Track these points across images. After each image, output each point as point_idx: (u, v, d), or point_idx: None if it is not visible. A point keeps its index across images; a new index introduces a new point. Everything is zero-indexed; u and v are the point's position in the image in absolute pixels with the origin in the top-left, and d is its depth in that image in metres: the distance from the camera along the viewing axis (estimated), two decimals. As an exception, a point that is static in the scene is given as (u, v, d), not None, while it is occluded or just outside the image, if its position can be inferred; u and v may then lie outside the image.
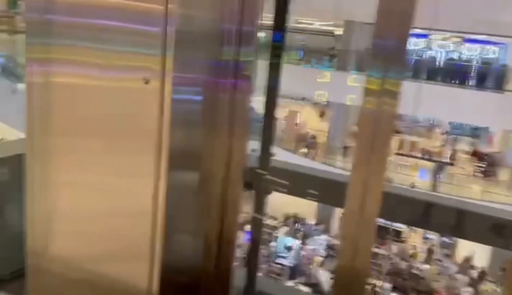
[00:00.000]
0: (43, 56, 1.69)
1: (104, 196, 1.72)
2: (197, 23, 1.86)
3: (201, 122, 1.96)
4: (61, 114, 1.72)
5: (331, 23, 20.86)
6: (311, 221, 15.70)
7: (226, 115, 2.00)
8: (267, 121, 2.76)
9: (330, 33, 21.16)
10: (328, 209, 14.96)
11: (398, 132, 17.93)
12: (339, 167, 16.05)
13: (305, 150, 18.41)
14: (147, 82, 1.57)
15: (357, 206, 1.95)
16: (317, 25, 22.03)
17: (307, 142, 19.10)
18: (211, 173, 2.02)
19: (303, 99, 20.96)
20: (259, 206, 2.73)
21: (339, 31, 19.63)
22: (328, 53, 18.85)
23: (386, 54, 1.89)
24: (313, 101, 20.92)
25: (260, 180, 2.62)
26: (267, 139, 2.73)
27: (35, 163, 1.78)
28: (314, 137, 19.19)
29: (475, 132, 20.77)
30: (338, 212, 14.25)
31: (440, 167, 16.38)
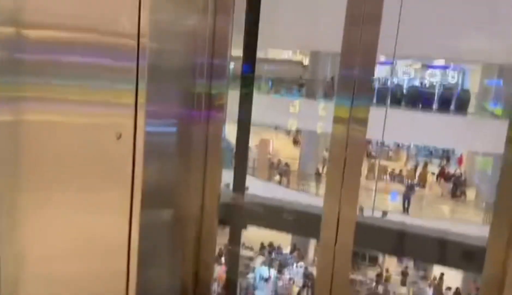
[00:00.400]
0: (13, 95, 1.66)
1: (77, 235, 1.67)
2: (169, 57, 1.89)
3: (175, 155, 1.96)
4: (30, 153, 1.68)
5: (298, 54, 21.47)
6: (287, 248, 15.60)
7: (200, 147, 2.02)
8: (239, 153, 2.76)
9: (299, 63, 21.74)
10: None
11: (369, 156, 18.35)
12: (313, 193, 16.16)
13: (278, 178, 18.50)
14: (119, 135, 1.58)
15: (332, 236, 1.97)
16: (285, 55, 22.62)
17: (280, 170, 19.22)
18: (186, 208, 2.00)
19: (276, 128, 21.22)
20: (235, 240, 2.71)
21: (307, 61, 20.22)
22: (297, 83, 19.30)
23: (353, 83, 1.96)
24: (285, 129, 21.22)
25: (235, 214, 2.61)
26: (241, 171, 2.73)
27: (3, 203, 1.72)
28: (287, 165, 19.35)
29: (443, 155, 21.49)
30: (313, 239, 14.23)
31: (410, 189, 16.77)
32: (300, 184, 17.89)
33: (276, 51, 21.17)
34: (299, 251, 15.31)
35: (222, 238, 2.60)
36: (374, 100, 16.22)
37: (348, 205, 2.00)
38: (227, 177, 2.62)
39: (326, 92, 17.12)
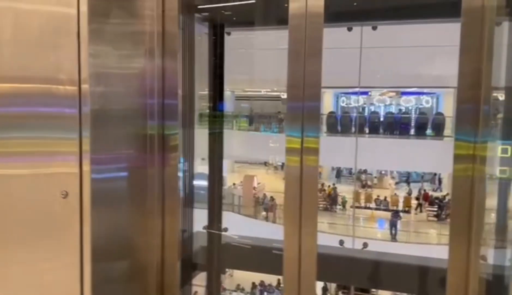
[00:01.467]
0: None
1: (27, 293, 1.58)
2: (116, 100, 1.89)
3: (129, 202, 1.90)
4: None
5: (275, 89, 21.84)
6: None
7: (155, 191, 1.96)
8: (212, 193, 2.71)
9: (277, 98, 22.06)
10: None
11: (365, 186, 18.41)
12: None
13: (264, 213, 18.30)
14: (65, 194, 1.57)
15: (295, 271, 1.92)
16: (263, 91, 22.96)
17: (266, 205, 19.05)
18: (145, 257, 1.93)
19: (265, 163, 21.25)
20: (214, 286, 2.60)
21: (284, 95, 20.53)
22: (276, 118, 19.52)
23: (302, 114, 1.98)
24: (266, 163, 21.24)
25: (211, 259, 2.52)
26: (216, 212, 2.66)
27: None
28: (272, 199, 19.21)
29: (425, 178, 21.70)
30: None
31: (396, 215, 16.77)
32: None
33: (254, 88, 21.49)
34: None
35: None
36: (352, 129, 16.49)
37: (309, 233, 1.96)
38: (204, 218, 2.54)
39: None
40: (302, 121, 1.96)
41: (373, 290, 14.51)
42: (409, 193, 19.28)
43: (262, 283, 15.13)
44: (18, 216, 1.60)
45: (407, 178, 22.06)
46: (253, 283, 14.97)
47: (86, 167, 1.52)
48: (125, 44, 1.92)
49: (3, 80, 1.55)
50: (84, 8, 1.52)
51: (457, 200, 1.83)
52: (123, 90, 1.87)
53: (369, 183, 21.52)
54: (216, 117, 2.87)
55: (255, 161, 19.81)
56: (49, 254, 1.55)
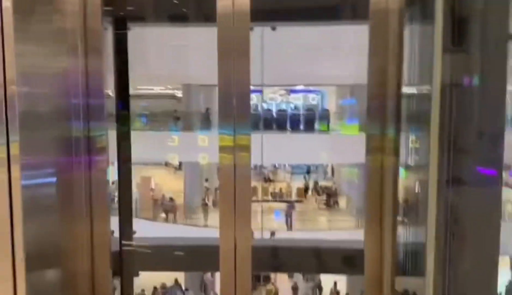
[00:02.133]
0: None
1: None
2: (41, 102, 1.76)
3: (57, 208, 1.80)
4: None
5: (170, 87, 21.41)
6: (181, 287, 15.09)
7: (83, 195, 1.88)
8: (123, 195, 2.62)
9: (172, 96, 21.66)
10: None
11: (268, 181, 19.01)
12: (202, 225, 16.01)
13: (163, 215, 17.90)
14: None
15: (231, 265, 2.00)
16: (157, 90, 22.33)
17: (165, 206, 18.64)
18: (75, 263, 1.85)
19: (166, 164, 20.68)
20: (127, 290, 2.54)
21: (180, 94, 20.28)
22: (172, 116, 19.19)
23: (233, 112, 2.06)
24: (166, 163, 20.80)
25: (125, 263, 2.46)
26: (127, 215, 2.59)
27: None
28: (171, 199, 18.88)
29: (315, 170, 23.34)
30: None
31: (291, 206, 17.80)
32: (188, 218, 17.60)
33: (148, 87, 20.80)
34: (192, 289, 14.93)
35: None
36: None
37: (243, 227, 2.06)
38: (112, 223, 2.46)
39: (203, 124, 17.40)
40: (234, 119, 2.03)
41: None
42: (306, 186, 20.52)
43: (163, 286, 14.85)
44: None
45: (307, 170, 23.48)
46: (155, 287, 14.61)
47: (16, 172, 1.42)
48: (49, 41, 1.80)
49: None
50: (7, 3, 1.41)
51: (371, 189, 2.08)
52: (49, 90, 1.74)
53: (271, 177, 22.43)
54: (122, 117, 2.78)
55: (152, 162, 19.23)
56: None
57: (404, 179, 2.06)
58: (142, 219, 15.98)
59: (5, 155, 1.40)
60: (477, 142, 1.70)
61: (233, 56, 2.00)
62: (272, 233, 13.11)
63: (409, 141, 1.90)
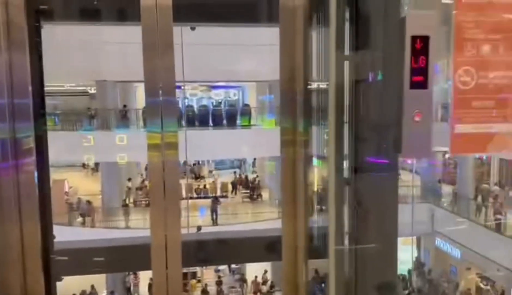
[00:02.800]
0: None
1: None
2: None
3: None
4: None
5: (81, 84, 20.27)
6: (103, 292, 14.56)
7: (12, 199, 1.82)
8: (42, 198, 2.55)
9: (84, 93, 20.51)
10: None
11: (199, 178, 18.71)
12: (123, 227, 15.49)
13: (80, 219, 16.98)
14: None
15: (163, 261, 2.05)
16: (67, 86, 20.97)
17: (82, 210, 17.67)
18: (7, 270, 1.79)
19: (84, 165, 19.50)
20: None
21: (93, 90, 19.28)
22: (86, 114, 18.20)
23: (160, 109, 2.09)
24: (84, 165, 19.70)
25: (48, 267, 2.40)
26: (47, 219, 2.51)
27: None
28: (89, 202, 17.94)
29: (238, 164, 23.66)
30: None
31: (215, 201, 17.91)
32: (107, 220, 16.88)
33: (58, 84, 19.48)
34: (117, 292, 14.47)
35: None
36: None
37: (173, 224, 2.12)
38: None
39: (120, 121, 16.75)
40: (161, 116, 2.06)
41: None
42: (235, 181, 20.60)
43: (83, 292, 14.24)
44: None
45: (222, 166, 23.62)
46: (83, 291, 13.95)
47: None
48: None
49: None
50: None
51: (285, 180, 2.25)
52: None
53: (201, 174, 22.26)
54: (38, 117, 2.71)
55: (66, 164, 18.08)
56: None
57: (321, 169, 2.26)
58: (57, 225, 14.99)
59: None
60: (375, 133, 1.95)
61: (158, 54, 2.03)
62: (199, 228, 13.13)
63: (323, 133, 2.09)
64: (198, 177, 21.71)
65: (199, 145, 14.42)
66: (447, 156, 18.14)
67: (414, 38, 1.25)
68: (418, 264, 17.87)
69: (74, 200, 18.24)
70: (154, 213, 2.13)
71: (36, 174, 2.00)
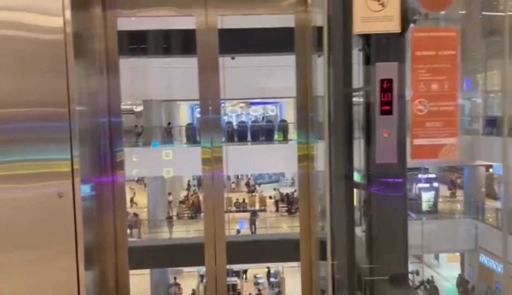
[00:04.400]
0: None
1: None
2: (85, 120, 2.00)
3: (96, 217, 2.13)
4: None
5: (129, 103, 21.47)
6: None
7: (111, 209, 2.27)
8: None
9: (130, 112, 21.68)
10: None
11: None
12: (167, 238, 16.22)
13: (128, 231, 17.94)
14: (60, 195, 1.79)
15: (213, 261, 2.46)
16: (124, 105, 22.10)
17: (129, 222, 18.68)
18: (105, 262, 2.30)
19: (138, 180, 20.53)
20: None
21: (139, 108, 20.37)
22: (133, 132, 19.32)
23: (209, 126, 2.47)
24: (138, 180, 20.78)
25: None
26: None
27: None
28: (135, 215, 18.95)
29: (277, 178, 24.04)
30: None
31: (254, 215, 18.41)
32: (152, 232, 17.74)
33: (108, 104, 20.65)
34: None
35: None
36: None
37: (220, 229, 2.53)
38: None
39: (165, 138, 17.70)
40: (211, 132, 2.44)
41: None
42: (279, 196, 20.87)
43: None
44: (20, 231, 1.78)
45: (261, 180, 24.04)
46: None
47: (77, 184, 1.73)
48: (87, 63, 2.04)
49: (3, 105, 1.72)
50: (68, 28, 1.71)
51: (301, 192, 2.70)
52: (88, 109, 1.98)
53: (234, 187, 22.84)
54: None
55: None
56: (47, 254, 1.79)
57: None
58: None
59: (69, 169, 1.73)
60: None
61: (208, 78, 2.45)
62: (238, 231, 13.78)
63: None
64: (253, 191, 22.19)
65: (239, 160, 15.04)
66: (491, 170, 17.73)
67: (382, 81, 1.79)
68: (462, 281, 17.43)
69: (122, 213, 19.30)
70: (207, 220, 2.55)
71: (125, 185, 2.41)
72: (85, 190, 1.91)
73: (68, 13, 1.77)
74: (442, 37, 1.84)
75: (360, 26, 1.79)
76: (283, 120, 20.96)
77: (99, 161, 2.25)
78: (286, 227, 18.05)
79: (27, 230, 1.79)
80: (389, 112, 1.79)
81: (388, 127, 1.80)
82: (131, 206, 19.34)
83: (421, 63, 1.84)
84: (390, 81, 1.76)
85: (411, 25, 1.95)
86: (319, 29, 2.10)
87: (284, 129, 18.85)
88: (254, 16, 2.42)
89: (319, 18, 2.15)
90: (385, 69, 1.78)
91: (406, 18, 1.82)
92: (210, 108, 2.49)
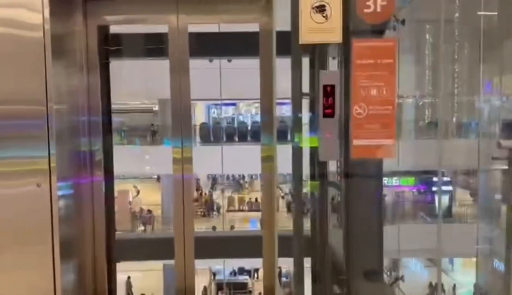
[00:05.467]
0: None
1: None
2: (65, 118, 2.11)
3: (74, 215, 2.26)
4: None
5: (146, 102, 21.88)
6: None
7: (89, 206, 2.38)
8: (108, 206, 2.90)
9: (149, 110, 22.08)
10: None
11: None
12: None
13: (141, 227, 18.35)
14: (39, 185, 1.91)
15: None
16: (132, 104, 22.67)
17: (143, 218, 19.10)
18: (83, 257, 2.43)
19: (150, 178, 21.02)
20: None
21: (156, 107, 20.74)
22: (149, 130, 19.71)
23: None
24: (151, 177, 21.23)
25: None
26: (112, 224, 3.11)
27: None
28: (149, 211, 19.37)
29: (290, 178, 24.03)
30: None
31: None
32: (166, 228, 18.12)
33: (123, 102, 21.20)
34: None
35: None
36: (224, 139, 17.82)
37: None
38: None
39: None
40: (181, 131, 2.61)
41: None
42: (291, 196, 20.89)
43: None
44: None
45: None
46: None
47: (54, 183, 1.87)
48: (67, 60, 2.15)
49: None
50: (47, 26, 1.80)
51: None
52: (66, 108, 2.09)
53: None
54: (106, 132, 2.88)
55: (129, 176, 19.68)
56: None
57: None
58: (120, 231, 16.41)
59: (47, 167, 1.83)
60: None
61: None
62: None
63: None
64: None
65: (249, 159, 15.17)
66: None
67: (325, 86, 1.95)
68: (478, 289, 17.17)
69: (136, 209, 19.77)
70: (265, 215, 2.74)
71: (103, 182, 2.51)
72: (62, 187, 2.01)
73: (47, 11, 1.86)
74: (381, 47, 1.99)
75: (305, 36, 1.96)
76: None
77: (77, 160, 2.36)
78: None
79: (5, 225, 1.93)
80: (331, 115, 1.96)
81: (330, 129, 1.97)
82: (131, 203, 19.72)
83: (361, 70, 1.99)
84: (332, 86, 1.93)
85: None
86: (282, 34, 2.24)
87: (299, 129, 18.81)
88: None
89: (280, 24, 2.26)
90: (328, 76, 1.94)
91: (348, 29, 1.97)
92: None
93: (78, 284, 2.34)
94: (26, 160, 1.89)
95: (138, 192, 20.93)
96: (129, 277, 16.31)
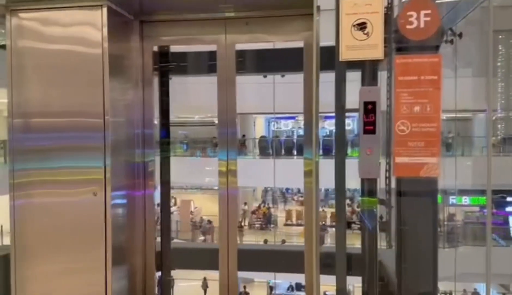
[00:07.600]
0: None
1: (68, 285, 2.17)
2: (119, 131, 2.25)
3: (126, 223, 2.39)
4: (36, 226, 2.11)
5: (209, 115, 22.62)
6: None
7: (141, 215, 2.48)
8: (164, 215, 3.05)
9: (211, 124, 22.82)
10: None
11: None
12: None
13: (202, 237, 18.81)
14: (95, 194, 2.06)
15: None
16: (196, 118, 23.58)
17: (203, 228, 19.56)
18: (134, 263, 2.55)
19: (211, 189, 21.73)
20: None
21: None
22: (211, 143, 20.30)
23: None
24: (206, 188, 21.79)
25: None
26: (168, 232, 3.01)
27: (17, 261, 2.16)
28: (209, 222, 19.81)
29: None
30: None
31: (324, 228, 18.19)
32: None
33: (188, 115, 22.11)
34: None
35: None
36: (282, 152, 17.87)
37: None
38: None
39: (239, 149, 18.41)
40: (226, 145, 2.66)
41: None
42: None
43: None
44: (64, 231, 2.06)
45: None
46: None
47: (108, 193, 2.00)
48: (123, 76, 2.27)
49: (54, 115, 2.01)
50: (105, 44, 1.96)
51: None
52: (122, 120, 2.22)
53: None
54: (163, 144, 3.05)
55: (191, 186, 20.31)
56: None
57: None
58: (181, 240, 16.92)
59: (102, 176, 1.97)
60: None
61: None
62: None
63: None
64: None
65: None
66: None
67: (365, 103, 1.92)
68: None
69: (197, 219, 20.29)
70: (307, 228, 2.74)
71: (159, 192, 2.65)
72: (116, 196, 2.14)
73: (105, 30, 2.04)
74: (424, 63, 1.92)
75: (346, 54, 1.95)
76: (355, 135, 20.46)
77: (131, 170, 2.47)
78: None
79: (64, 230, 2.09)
80: (372, 131, 1.92)
81: (371, 146, 1.93)
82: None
83: (403, 87, 1.93)
84: (373, 103, 1.89)
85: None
86: (325, 49, 2.26)
87: (356, 144, 18.36)
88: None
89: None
90: (368, 93, 1.91)
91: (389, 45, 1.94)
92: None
93: (128, 289, 2.45)
94: (84, 169, 2.05)
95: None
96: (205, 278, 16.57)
